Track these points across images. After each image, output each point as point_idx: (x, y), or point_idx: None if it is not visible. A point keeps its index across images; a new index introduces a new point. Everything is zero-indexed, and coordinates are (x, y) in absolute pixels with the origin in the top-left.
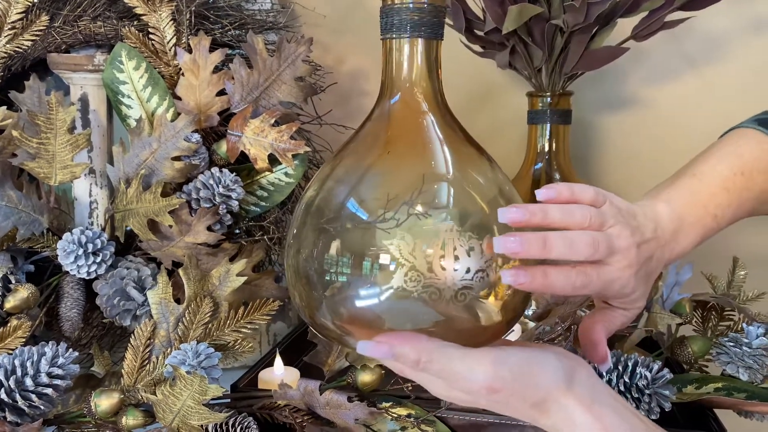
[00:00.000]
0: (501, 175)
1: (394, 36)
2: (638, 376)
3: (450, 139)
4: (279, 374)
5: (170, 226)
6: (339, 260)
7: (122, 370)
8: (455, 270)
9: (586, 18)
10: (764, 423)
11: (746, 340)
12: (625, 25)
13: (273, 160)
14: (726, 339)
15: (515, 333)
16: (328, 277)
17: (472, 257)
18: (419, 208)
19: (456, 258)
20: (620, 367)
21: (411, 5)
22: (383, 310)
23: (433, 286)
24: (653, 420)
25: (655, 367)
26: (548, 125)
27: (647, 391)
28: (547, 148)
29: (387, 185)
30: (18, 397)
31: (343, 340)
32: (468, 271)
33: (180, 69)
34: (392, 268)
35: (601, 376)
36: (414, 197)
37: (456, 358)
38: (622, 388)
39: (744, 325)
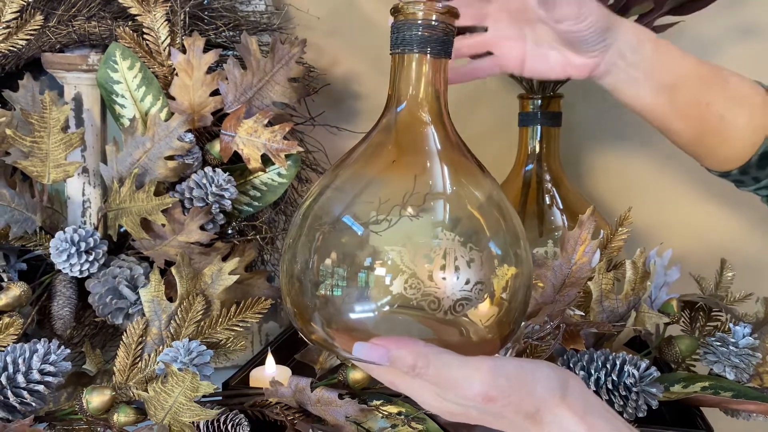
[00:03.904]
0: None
1: (406, 51)
2: (626, 374)
3: (448, 153)
4: (271, 373)
5: (163, 225)
6: (335, 269)
7: (114, 368)
8: (455, 280)
9: None
10: (750, 421)
11: (733, 340)
12: None
13: (266, 161)
14: (713, 339)
15: None
16: (323, 289)
17: (472, 269)
18: (410, 210)
19: (456, 268)
20: (608, 366)
21: (421, 22)
22: (380, 319)
23: (432, 295)
24: (641, 417)
25: (643, 365)
26: (539, 127)
27: (635, 389)
28: (537, 150)
29: (384, 194)
30: (9, 393)
31: (336, 348)
32: (467, 282)
33: (174, 69)
34: (393, 274)
35: (589, 376)
36: (406, 199)
37: (453, 364)
38: (610, 386)
39: (731, 325)
